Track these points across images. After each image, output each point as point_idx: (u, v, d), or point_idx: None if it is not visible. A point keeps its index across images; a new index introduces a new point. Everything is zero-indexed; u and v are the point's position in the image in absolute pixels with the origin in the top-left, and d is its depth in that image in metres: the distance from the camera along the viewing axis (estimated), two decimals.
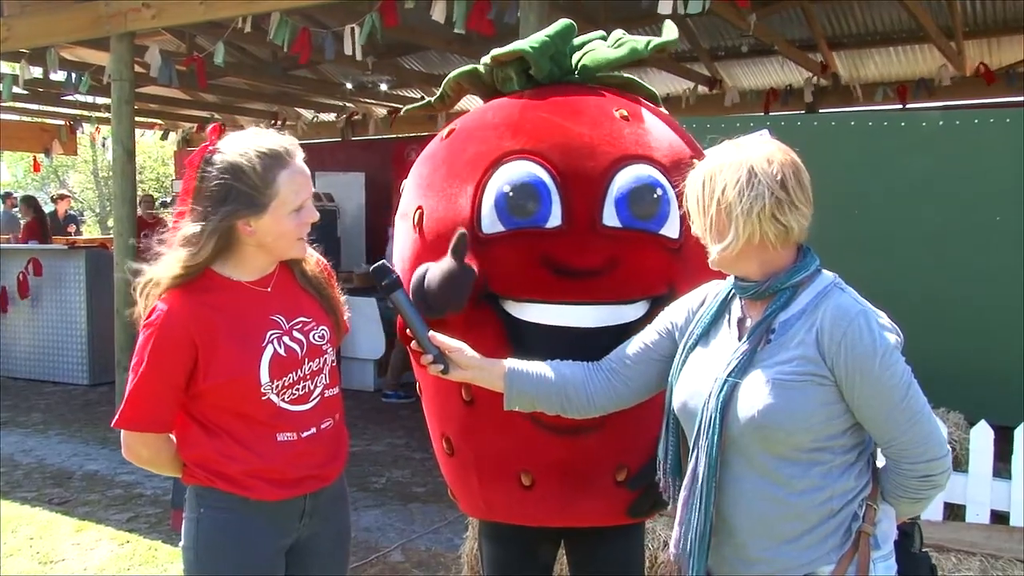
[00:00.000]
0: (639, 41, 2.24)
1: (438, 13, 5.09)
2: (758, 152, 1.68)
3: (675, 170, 2.05)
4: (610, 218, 2.00)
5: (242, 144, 1.93)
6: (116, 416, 1.94)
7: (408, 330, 1.95)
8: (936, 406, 1.72)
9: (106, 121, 10.01)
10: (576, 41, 2.31)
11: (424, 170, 2.27)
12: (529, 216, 2.01)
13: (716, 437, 1.69)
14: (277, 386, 1.97)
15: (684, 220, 2.03)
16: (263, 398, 1.96)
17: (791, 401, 1.64)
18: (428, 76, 9.54)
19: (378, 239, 10.38)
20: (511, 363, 1.92)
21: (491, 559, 2.41)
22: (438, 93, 2.42)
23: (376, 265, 1.94)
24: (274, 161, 1.92)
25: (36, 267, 8.34)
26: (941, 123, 4.24)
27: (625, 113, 2.13)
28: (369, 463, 5.95)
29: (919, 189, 4.21)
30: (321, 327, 2.08)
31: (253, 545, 2.00)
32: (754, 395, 1.67)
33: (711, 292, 1.88)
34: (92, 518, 4.82)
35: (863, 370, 1.61)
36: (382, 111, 11.20)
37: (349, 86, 9.21)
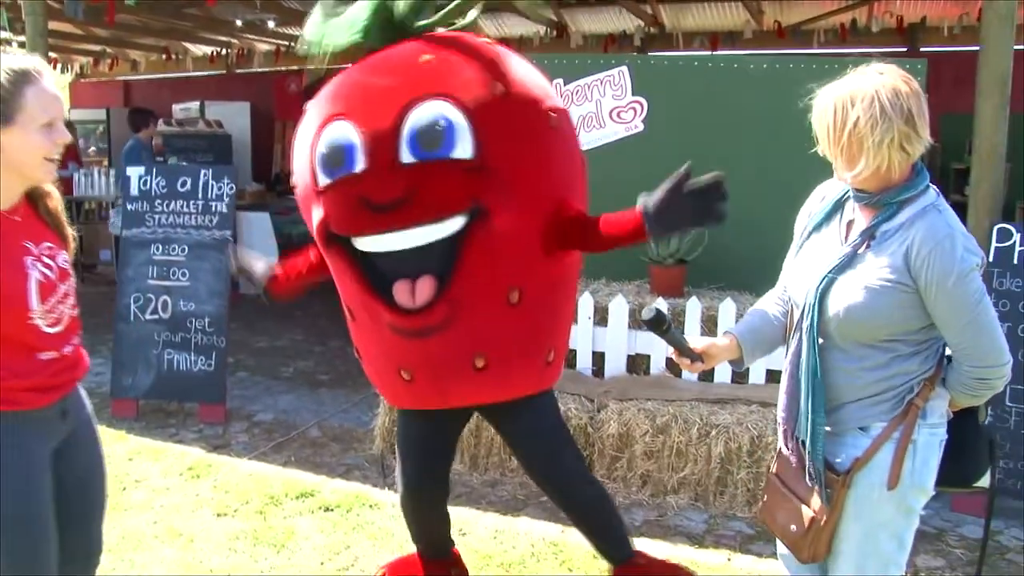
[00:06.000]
0: None
1: None
2: (886, 84, 1.75)
3: (471, 94, 2.23)
4: (406, 155, 2.18)
5: None
6: None
7: (677, 351, 2.17)
8: None
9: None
10: None
11: (295, 135, 2.50)
12: (342, 166, 2.23)
13: (816, 321, 1.86)
14: (42, 310, 1.99)
15: (481, 137, 2.18)
16: (29, 322, 1.96)
17: (873, 303, 1.80)
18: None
19: (263, 161, 11.48)
20: (737, 331, 2.13)
21: (403, 433, 2.74)
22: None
23: (653, 316, 2.06)
24: (20, 76, 1.94)
25: None
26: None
27: (428, 56, 2.30)
28: (276, 356, 6.50)
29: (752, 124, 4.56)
30: (62, 252, 2.11)
31: (31, 453, 2.01)
32: (846, 293, 1.83)
33: (829, 192, 2.01)
34: None
35: (940, 285, 1.75)
36: (265, 47, 11.95)
37: (239, 23, 9.94)
